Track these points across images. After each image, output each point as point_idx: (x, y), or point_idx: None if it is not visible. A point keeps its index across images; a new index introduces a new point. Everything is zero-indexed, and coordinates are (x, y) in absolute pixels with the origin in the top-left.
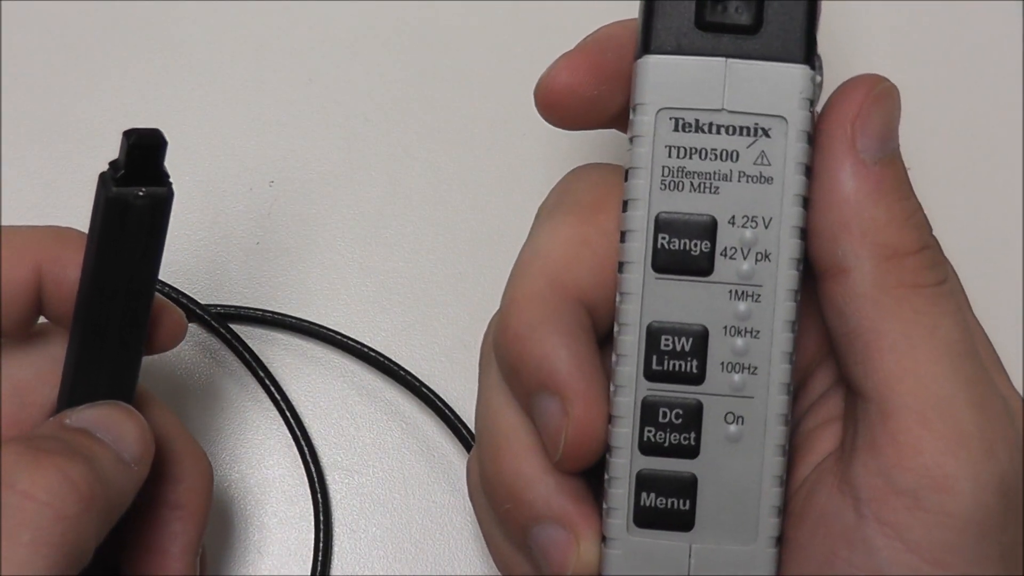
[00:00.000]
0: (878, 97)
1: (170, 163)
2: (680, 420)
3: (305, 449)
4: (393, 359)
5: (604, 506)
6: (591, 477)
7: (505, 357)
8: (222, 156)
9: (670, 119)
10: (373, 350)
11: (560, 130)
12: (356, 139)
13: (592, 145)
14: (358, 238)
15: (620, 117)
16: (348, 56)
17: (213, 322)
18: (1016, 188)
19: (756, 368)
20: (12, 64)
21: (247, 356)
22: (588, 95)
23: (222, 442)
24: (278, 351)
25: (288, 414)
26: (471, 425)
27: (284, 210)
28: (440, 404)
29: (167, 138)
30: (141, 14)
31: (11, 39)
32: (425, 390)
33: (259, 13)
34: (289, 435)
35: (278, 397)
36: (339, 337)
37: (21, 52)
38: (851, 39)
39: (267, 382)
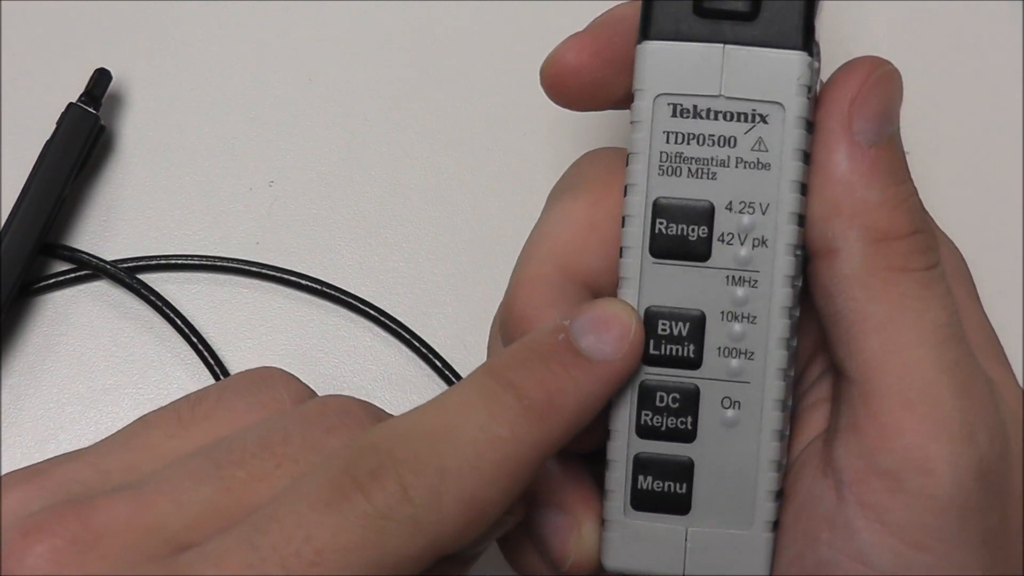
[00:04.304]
0: (879, 80)
1: (172, 162)
2: (677, 404)
3: None
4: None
5: (603, 489)
6: (594, 462)
7: (510, 338)
8: (222, 156)
9: (668, 105)
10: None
11: (560, 130)
12: (356, 139)
13: (593, 143)
14: (358, 238)
15: (627, 99)
16: (348, 56)
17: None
18: (1017, 187)
19: (753, 353)
20: (12, 63)
21: None
22: (593, 78)
23: None
24: None
25: None
26: None
27: (284, 210)
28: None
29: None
30: (141, 14)
31: (12, 38)
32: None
33: (259, 13)
34: None
35: None
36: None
37: (21, 51)
38: (850, 38)
39: None
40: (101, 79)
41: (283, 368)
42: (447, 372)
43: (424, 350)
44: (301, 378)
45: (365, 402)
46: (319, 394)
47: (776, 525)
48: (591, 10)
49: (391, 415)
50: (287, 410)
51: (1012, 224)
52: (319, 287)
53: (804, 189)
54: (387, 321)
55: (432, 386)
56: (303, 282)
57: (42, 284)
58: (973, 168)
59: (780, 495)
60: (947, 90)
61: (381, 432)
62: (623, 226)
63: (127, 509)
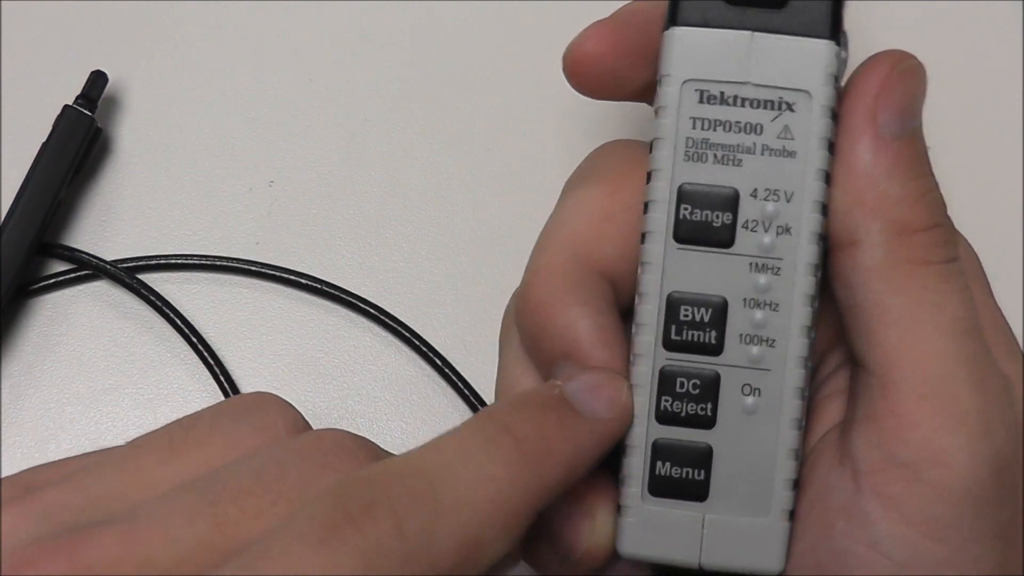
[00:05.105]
0: (903, 74)
1: (171, 163)
2: (697, 390)
3: None
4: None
5: (620, 475)
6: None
7: (527, 326)
8: (222, 156)
9: (695, 91)
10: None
11: (560, 130)
12: (356, 139)
13: (595, 143)
14: (358, 238)
15: (645, 90)
16: (348, 56)
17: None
18: (1017, 187)
19: (774, 341)
20: (9, 65)
21: None
22: (612, 66)
23: None
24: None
25: None
26: None
27: (284, 210)
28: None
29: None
30: (138, 16)
31: (12, 38)
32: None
33: (259, 13)
34: None
35: None
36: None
37: (18, 53)
38: (868, 35)
39: None
40: (97, 81)
41: (278, 394)
42: (447, 372)
43: (424, 350)
44: (301, 378)
45: (362, 437)
46: (319, 403)
47: (793, 514)
48: (591, 10)
49: (388, 452)
50: (282, 441)
51: (1013, 224)
52: (319, 287)
53: (828, 178)
54: (387, 321)
55: (432, 386)
56: (303, 282)
57: (42, 284)
58: (973, 167)
59: (797, 484)
60: (950, 89)
61: (376, 469)
62: (646, 211)
63: (118, 544)
